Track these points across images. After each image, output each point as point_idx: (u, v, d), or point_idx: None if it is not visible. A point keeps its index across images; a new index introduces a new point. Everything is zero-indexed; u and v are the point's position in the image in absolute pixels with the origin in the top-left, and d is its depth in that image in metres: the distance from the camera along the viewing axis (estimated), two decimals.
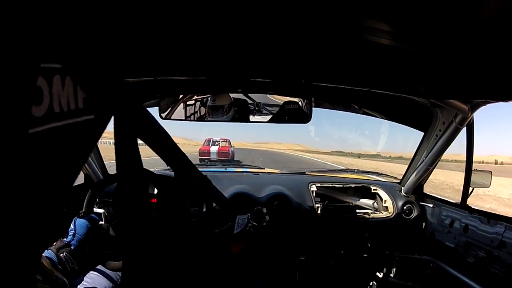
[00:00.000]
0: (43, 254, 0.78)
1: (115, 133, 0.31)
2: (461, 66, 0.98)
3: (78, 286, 0.86)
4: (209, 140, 14.19)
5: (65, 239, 0.85)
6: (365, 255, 1.80)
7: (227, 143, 14.11)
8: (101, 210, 1.46)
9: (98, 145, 1.61)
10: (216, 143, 13.76)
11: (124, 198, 0.33)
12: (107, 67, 0.28)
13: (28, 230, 0.20)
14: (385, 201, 1.79)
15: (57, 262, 0.79)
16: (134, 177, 0.33)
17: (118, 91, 0.30)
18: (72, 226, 0.88)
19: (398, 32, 0.84)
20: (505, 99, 0.96)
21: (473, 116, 1.36)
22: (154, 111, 1.46)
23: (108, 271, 0.92)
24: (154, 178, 1.01)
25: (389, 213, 1.75)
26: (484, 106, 1.25)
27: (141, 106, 0.34)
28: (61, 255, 0.81)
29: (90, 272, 0.91)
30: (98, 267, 0.92)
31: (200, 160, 11.81)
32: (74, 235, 0.86)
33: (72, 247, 0.84)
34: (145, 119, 0.36)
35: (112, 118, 0.30)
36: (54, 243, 0.83)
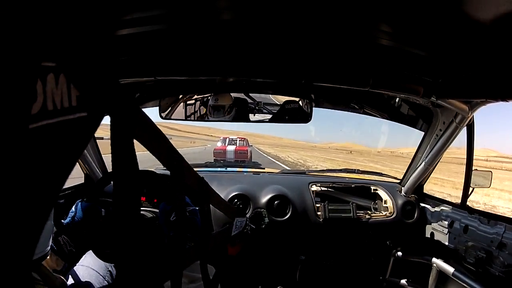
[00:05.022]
0: None
1: (111, 134, 0.31)
2: (461, 65, 0.98)
3: (71, 279, 0.86)
4: (224, 139, 12.97)
5: (63, 221, 0.86)
6: (365, 255, 1.80)
7: (244, 142, 12.94)
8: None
9: (98, 144, 1.61)
10: (233, 142, 12.59)
11: (119, 199, 0.33)
12: (101, 66, 0.28)
13: (20, 225, 0.21)
14: (385, 201, 1.79)
15: (55, 245, 0.81)
16: (130, 177, 0.34)
17: (112, 90, 0.30)
18: (73, 208, 0.89)
19: (398, 33, 0.84)
20: (505, 98, 0.96)
21: (473, 116, 1.36)
22: (154, 111, 1.47)
23: (98, 263, 0.92)
24: (155, 178, 1.01)
25: (389, 213, 1.75)
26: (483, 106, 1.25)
27: (137, 107, 0.35)
28: (58, 238, 0.83)
29: (79, 264, 0.91)
30: (88, 257, 0.91)
31: (215, 160, 10.50)
32: (73, 218, 0.87)
33: (69, 229, 0.85)
34: (141, 120, 0.36)
35: (109, 119, 0.30)
36: (54, 228, 0.84)
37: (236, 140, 12.76)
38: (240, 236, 1.26)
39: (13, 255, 0.20)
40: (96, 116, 0.28)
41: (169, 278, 0.48)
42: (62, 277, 0.79)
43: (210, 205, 0.83)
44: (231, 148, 11.95)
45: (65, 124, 0.24)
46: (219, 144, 12.86)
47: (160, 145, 0.42)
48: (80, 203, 0.90)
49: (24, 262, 0.21)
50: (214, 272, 0.75)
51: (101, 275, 0.94)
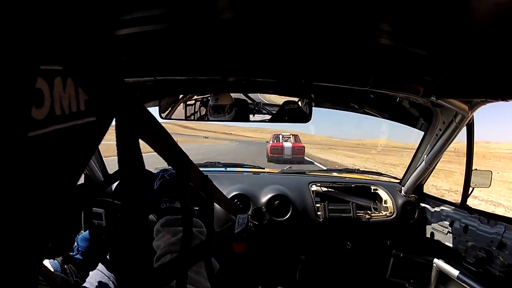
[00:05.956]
0: (48, 263, 0.79)
1: (117, 134, 0.31)
2: (461, 65, 0.98)
3: None
4: (277, 136, 12.49)
5: (71, 253, 0.88)
6: (365, 255, 1.80)
7: (297, 139, 12.39)
8: (101, 210, 1.46)
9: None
10: (287, 139, 12.11)
11: (126, 200, 0.33)
12: (108, 68, 0.28)
13: (30, 234, 0.20)
14: (385, 201, 1.79)
15: (61, 272, 0.80)
16: (137, 178, 0.33)
17: (120, 92, 0.30)
18: (75, 243, 0.90)
19: (398, 32, 0.84)
20: (505, 98, 0.96)
21: (473, 116, 1.36)
22: (154, 111, 1.46)
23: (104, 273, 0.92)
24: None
25: (389, 213, 1.75)
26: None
27: (142, 106, 0.34)
28: (65, 266, 0.83)
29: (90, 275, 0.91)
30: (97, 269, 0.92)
31: (271, 158, 10.35)
32: (77, 250, 0.88)
33: (77, 261, 0.85)
34: (146, 119, 0.36)
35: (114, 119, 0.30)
36: (61, 257, 0.85)
37: (290, 137, 12.32)
38: (245, 232, 1.26)
39: (22, 262, 0.20)
40: (105, 121, 0.27)
41: (174, 278, 0.47)
42: (64, 275, 0.79)
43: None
44: (288, 144, 11.52)
45: (73, 129, 0.23)
46: (271, 141, 12.49)
47: (165, 144, 0.42)
48: (79, 236, 0.90)
49: (34, 267, 0.21)
50: (218, 269, 0.74)
51: (105, 275, 0.93)
